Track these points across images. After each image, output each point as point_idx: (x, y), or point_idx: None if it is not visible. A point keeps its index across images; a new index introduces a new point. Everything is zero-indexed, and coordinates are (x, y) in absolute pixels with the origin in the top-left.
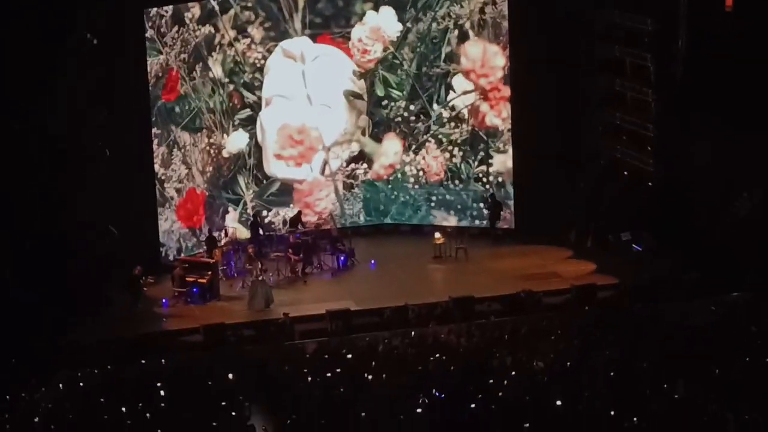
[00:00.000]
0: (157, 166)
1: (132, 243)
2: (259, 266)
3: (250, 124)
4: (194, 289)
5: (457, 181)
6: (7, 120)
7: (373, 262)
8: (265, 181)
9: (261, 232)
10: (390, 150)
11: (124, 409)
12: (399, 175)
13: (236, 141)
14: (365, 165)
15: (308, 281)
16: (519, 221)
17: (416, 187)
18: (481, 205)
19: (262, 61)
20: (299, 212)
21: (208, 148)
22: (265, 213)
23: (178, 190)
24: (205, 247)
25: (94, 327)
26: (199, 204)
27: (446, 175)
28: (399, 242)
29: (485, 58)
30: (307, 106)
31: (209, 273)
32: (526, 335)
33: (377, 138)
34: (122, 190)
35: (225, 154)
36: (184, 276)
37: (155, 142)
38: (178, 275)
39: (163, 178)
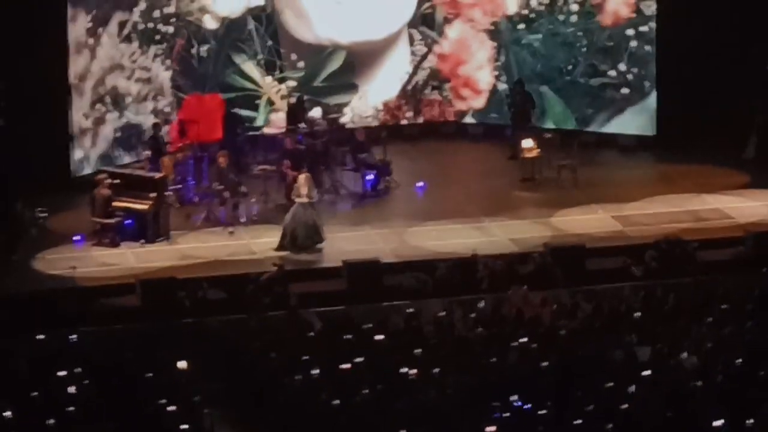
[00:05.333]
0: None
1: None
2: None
3: None
4: (127, 222)
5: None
6: None
7: (421, 184)
8: (294, 57)
9: (238, 130)
10: None
11: (8, 413)
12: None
13: None
14: None
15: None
16: (663, 123)
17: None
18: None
19: None
20: (300, 98)
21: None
22: (318, 114)
23: (158, 113)
24: (147, 153)
25: None
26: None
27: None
28: (466, 151)
29: None
30: None
31: (153, 196)
32: (670, 311)
33: None
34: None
35: (210, 23)
36: (110, 199)
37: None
38: (102, 198)
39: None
